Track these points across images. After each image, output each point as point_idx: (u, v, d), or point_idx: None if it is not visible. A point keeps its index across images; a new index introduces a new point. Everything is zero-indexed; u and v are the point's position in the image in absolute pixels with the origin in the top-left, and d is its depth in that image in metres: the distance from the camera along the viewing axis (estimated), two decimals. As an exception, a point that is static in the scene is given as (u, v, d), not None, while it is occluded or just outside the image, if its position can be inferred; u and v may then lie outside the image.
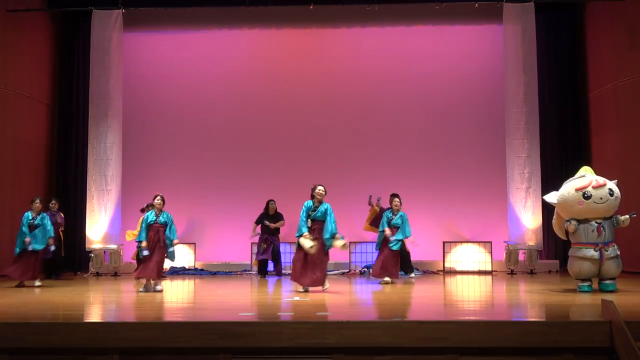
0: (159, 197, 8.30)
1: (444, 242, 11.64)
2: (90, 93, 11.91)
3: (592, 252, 7.10)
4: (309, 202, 8.09)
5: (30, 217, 9.14)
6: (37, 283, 8.94)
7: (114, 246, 11.51)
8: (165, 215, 8.26)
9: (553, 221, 7.76)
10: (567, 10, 12.50)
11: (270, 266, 11.08)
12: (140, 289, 8.14)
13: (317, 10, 11.97)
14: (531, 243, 11.25)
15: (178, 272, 11.44)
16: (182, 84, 12.77)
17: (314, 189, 8.13)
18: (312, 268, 7.79)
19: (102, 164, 11.70)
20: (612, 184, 7.20)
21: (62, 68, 12.88)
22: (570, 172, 11.51)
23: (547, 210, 11.64)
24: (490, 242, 11.52)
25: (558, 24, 12.51)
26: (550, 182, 11.82)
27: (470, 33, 12.73)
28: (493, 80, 12.21)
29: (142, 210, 10.29)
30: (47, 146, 12.56)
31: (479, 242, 11.64)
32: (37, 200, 9.31)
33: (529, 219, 11.32)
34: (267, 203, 11.05)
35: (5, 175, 11.12)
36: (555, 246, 12.02)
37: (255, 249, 11.87)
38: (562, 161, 12.20)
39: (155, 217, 8.22)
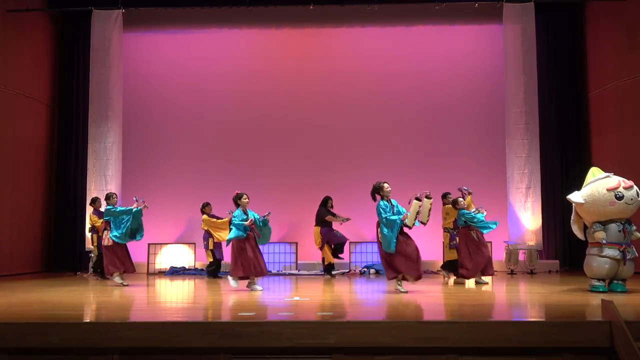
0: (245, 196, 8.26)
1: (444, 242, 11.61)
2: (90, 93, 11.92)
3: (616, 252, 7.07)
4: (384, 202, 7.61)
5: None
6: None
7: (114, 246, 11.48)
8: (251, 214, 8.21)
9: (572, 221, 7.67)
10: (567, 10, 12.50)
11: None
12: (247, 286, 8.16)
13: (317, 10, 11.98)
14: (531, 243, 11.25)
15: (178, 272, 11.43)
16: (182, 84, 12.77)
17: (382, 188, 7.63)
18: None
19: (102, 164, 11.71)
20: (635, 186, 7.20)
21: (62, 68, 12.88)
22: (570, 173, 11.66)
23: (547, 210, 11.67)
24: (490, 242, 11.50)
25: (558, 24, 12.51)
26: (550, 182, 11.86)
27: (470, 33, 12.73)
28: (493, 80, 12.21)
29: (203, 210, 10.61)
30: (47, 146, 12.56)
31: (478, 242, 11.62)
32: (114, 195, 9.42)
33: (529, 219, 11.32)
34: (326, 200, 10.89)
35: (5, 175, 11.12)
36: (555, 246, 12.02)
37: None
38: (562, 161, 12.21)
39: (244, 215, 8.17)
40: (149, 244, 11.70)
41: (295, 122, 12.64)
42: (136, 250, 11.93)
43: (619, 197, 7.02)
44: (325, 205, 10.90)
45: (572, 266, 11.54)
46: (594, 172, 7.47)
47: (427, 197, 7.67)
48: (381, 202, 7.58)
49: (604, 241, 7.05)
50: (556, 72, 12.35)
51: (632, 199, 7.03)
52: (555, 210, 11.63)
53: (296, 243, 11.69)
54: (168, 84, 12.78)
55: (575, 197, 7.36)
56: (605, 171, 7.53)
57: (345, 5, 12.25)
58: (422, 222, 7.71)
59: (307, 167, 12.42)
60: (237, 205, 8.27)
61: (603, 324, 4.78)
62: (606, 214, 7.12)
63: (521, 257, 11.31)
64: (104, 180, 11.66)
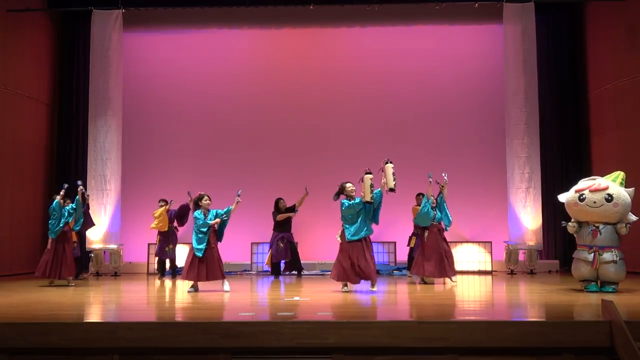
0: (206, 197, 8.27)
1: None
2: (90, 93, 11.91)
3: (585, 255, 7.20)
4: (347, 200, 7.98)
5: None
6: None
7: (114, 246, 11.52)
8: (212, 214, 8.22)
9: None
10: (567, 10, 12.50)
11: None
12: (189, 289, 8.16)
13: (317, 10, 11.98)
14: (531, 243, 11.25)
15: (178, 272, 11.41)
16: (181, 84, 12.77)
17: (344, 188, 8.05)
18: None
19: (102, 163, 11.71)
20: (616, 189, 7.15)
21: (62, 68, 12.89)
22: (570, 173, 11.67)
23: (547, 210, 11.68)
24: (490, 242, 11.52)
25: (558, 24, 12.51)
26: (550, 182, 11.86)
27: (470, 33, 12.73)
28: (493, 80, 12.21)
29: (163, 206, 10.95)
30: (47, 146, 12.56)
31: (479, 242, 11.64)
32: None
33: (529, 219, 11.32)
34: (277, 202, 10.98)
35: (5, 176, 11.12)
36: (555, 246, 12.04)
37: (255, 249, 11.90)
38: (562, 161, 12.22)
39: (204, 217, 8.18)
40: (148, 244, 11.70)
41: (295, 121, 12.64)
42: (136, 250, 11.98)
43: (581, 199, 7.17)
44: (276, 207, 10.96)
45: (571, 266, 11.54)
46: (613, 175, 7.45)
47: (387, 162, 8.05)
48: (344, 201, 7.98)
49: (574, 227, 7.31)
50: (556, 72, 12.36)
51: (594, 202, 7.09)
52: (555, 210, 11.61)
53: (296, 243, 11.67)
54: (168, 83, 12.78)
55: (561, 197, 7.65)
56: (605, 172, 7.57)
57: (345, 5, 12.25)
58: (391, 189, 7.99)
59: (305, 167, 12.41)
60: (198, 207, 8.27)
61: (603, 324, 4.78)
62: (575, 214, 7.32)
63: (521, 257, 11.32)
64: (103, 180, 11.66)
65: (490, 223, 12.06)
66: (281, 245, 10.76)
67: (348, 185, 8.06)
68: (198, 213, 8.22)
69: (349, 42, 12.83)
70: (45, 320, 5.46)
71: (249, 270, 11.79)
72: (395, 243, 11.65)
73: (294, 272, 11.07)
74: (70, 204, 9.34)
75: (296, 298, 7.27)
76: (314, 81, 12.70)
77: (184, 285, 9.26)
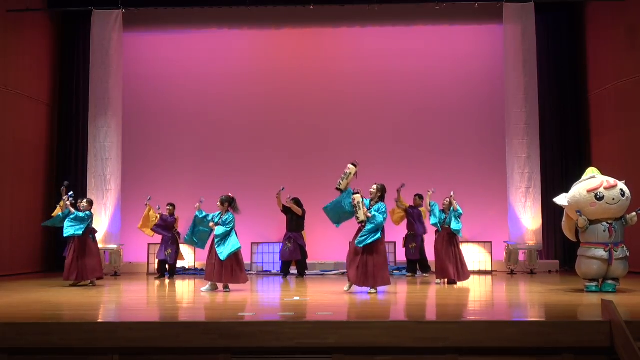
0: (219, 201, 8.36)
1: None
2: (90, 93, 11.91)
3: (601, 252, 7.11)
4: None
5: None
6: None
7: (114, 246, 11.52)
8: (225, 215, 8.36)
9: (562, 223, 7.76)
10: (567, 10, 12.51)
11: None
12: (203, 289, 8.19)
13: (317, 10, 11.98)
14: (531, 243, 11.25)
15: (178, 272, 11.42)
16: (182, 84, 12.77)
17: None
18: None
19: (102, 164, 11.71)
20: (622, 184, 7.20)
21: (62, 68, 12.89)
22: (570, 173, 11.66)
23: (547, 210, 11.67)
24: (490, 242, 11.52)
25: (558, 24, 12.52)
26: (550, 182, 11.87)
27: (470, 33, 12.73)
28: (493, 80, 12.21)
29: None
30: (47, 146, 12.56)
31: (479, 242, 11.64)
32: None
33: (529, 219, 11.33)
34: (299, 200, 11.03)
35: (5, 175, 11.12)
36: (555, 246, 12.04)
37: (255, 249, 11.89)
38: (562, 161, 12.24)
39: (218, 220, 8.29)
40: (149, 244, 11.70)
41: (295, 121, 12.64)
42: (136, 250, 11.98)
43: (599, 198, 7.06)
44: (300, 204, 10.98)
45: (572, 266, 11.48)
46: (589, 173, 7.48)
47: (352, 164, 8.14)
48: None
49: (585, 221, 7.10)
50: (556, 72, 12.36)
51: (613, 199, 7.04)
52: (555, 210, 11.57)
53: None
54: (168, 83, 12.78)
55: (560, 199, 7.48)
56: (605, 171, 7.55)
57: (345, 5, 12.25)
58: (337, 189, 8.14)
59: (305, 167, 12.40)
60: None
61: (603, 324, 4.78)
62: (590, 214, 7.17)
63: (521, 257, 11.32)
64: (103, 180, 11.66)
65: (490, 223, 12.06)
66: (289, 245, 10.76)
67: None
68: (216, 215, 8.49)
69: (349, 42, 12.82)
70: (45, 320, 5.46)
71: (248, 270, 11.77)
72: (395, 243, 11.64)
73: (294, 272, 11.07)
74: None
75: (296, 298, 7.28)
76: (314, 81, 12.70)
77: (183, 286, 9.29)
